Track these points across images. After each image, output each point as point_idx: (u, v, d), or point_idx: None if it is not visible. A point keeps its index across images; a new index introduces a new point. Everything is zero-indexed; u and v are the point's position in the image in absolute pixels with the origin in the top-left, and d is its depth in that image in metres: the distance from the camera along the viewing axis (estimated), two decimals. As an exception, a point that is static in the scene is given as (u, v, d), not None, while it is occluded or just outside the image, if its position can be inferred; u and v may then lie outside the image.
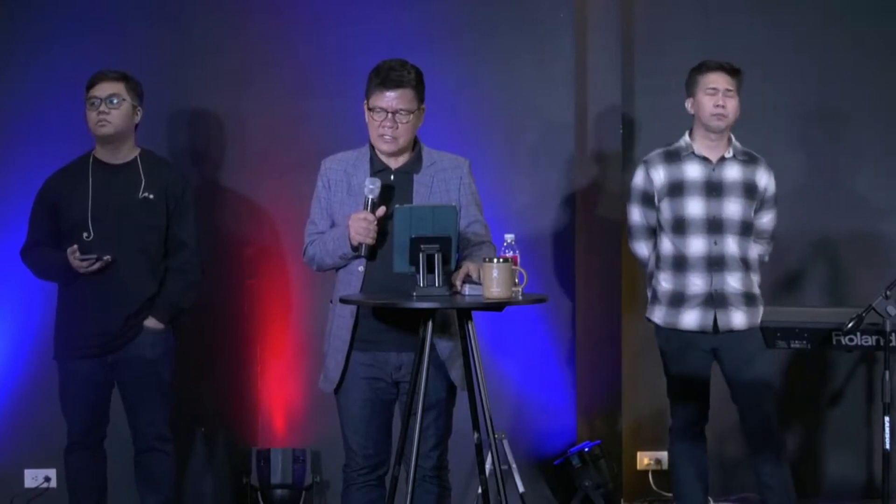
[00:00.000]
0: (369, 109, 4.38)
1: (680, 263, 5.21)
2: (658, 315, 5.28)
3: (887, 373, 4.60)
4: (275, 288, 6.04)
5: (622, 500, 6.15)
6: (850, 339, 5.08)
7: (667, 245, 5.24)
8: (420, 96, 4.40)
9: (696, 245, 5.19)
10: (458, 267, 4.27)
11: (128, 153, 5.13)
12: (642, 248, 5.36)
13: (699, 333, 5.19)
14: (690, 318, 5.19)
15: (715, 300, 5.17)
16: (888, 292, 4.65)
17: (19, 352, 5.82)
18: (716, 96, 5.17)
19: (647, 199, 5.29)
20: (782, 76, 6.19)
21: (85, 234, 5.01)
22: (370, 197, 4.30)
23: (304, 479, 5.84)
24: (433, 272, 4.14)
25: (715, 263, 5.18)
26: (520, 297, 4.20)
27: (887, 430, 4.54)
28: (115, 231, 5.02)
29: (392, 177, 4.42)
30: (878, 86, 6.25)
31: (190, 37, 5.98)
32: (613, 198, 6.14)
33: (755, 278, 5.26)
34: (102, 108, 5.02)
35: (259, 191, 6.04)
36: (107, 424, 5.18)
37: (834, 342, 5.39)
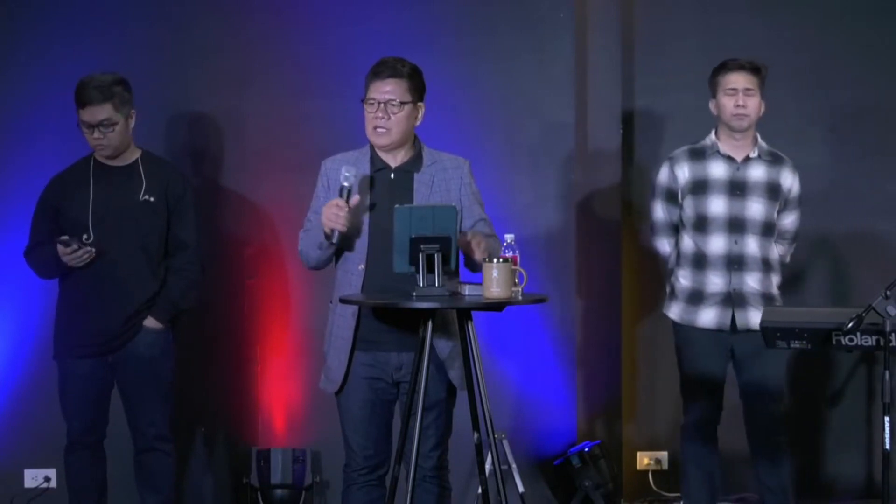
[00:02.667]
0: (364, 103, 4.39)
1: (700, 261, 5.22)
2: (675, 311, 5.29)
3: (887, 373, 4.58)
4: (275, 288, 6.04)
5: (622, 500, 6.15)
6: (850, 339, 5.05)
7: (688, 242, 5.25)
8: (415, 90, 4.38)
9: (717, 244, 5.20)
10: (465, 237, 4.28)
11: (128, 155, 5.13)
12: (664, 245, 5.36)
13: (716, 332, 5.19)
14: (708, 317, 5.20)
15: (733, 299, 5.18)
16: (888, 292, 4.63)
17: (19, 352, 5.82)
18: (736, 96, 5.17)
19: (671, 196, 5.30)
20: (782, 76, 6.17)
21: (85, 237, 5.01)
22: (344, 184, 4.29)
23: (304, 479, 5.84)
24: (433, 272, 4.15)
25: (735, 263, 5.19)
26: (520, 297, 4.21)
27: (887, 430, 4.53)
28: (115, 232, 5.02)
29: (392, 175, 4.42)
30: (878, 86, 6.24)
31: (190, 37, 5.97)
32: (613, 197, 6.14)
33: (775, 279, 5.28)
34: (96, 134, 5.01)
35: (259, 191, 6.03)
36: (106, 424, 5.18)
37: (834, 342, 5.37)
